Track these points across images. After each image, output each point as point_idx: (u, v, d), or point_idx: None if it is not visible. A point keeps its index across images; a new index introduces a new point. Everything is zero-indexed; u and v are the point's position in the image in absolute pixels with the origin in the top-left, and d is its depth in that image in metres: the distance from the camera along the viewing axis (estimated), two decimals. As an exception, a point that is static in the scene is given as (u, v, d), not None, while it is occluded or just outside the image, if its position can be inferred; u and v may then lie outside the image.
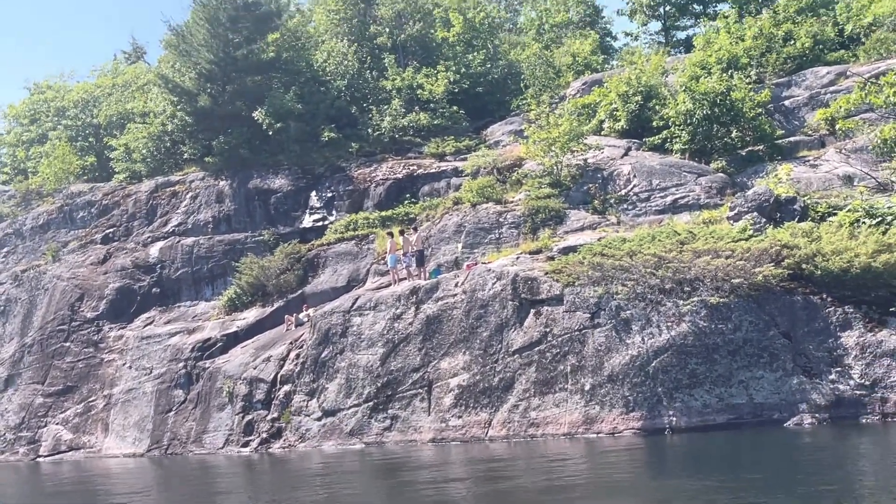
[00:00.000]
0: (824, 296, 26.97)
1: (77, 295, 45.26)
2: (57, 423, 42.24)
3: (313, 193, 44.68)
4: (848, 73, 40.13)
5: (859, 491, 16.14)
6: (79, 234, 49.03)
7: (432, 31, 52.39)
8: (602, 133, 41.91)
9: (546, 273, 30.06)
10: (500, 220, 36.77)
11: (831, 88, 39.80)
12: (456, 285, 31.68)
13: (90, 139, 58.77)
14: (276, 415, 34.33)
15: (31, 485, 33.80)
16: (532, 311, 29.50)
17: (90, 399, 41.88)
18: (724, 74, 39.19)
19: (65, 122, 59.85)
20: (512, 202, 37.57)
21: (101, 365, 42.63)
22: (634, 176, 37.02)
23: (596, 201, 36.41)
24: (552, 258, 31.51)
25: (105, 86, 62.67)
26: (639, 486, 18.92)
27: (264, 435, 34.24)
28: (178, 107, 49.07)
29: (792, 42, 43.22)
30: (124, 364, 41.81)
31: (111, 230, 48.32)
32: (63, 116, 60.48)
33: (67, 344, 44.03)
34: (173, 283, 44.57)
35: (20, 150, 63.58)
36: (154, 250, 45.73)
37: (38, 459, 41.39)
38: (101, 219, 49.18)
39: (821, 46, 43.50)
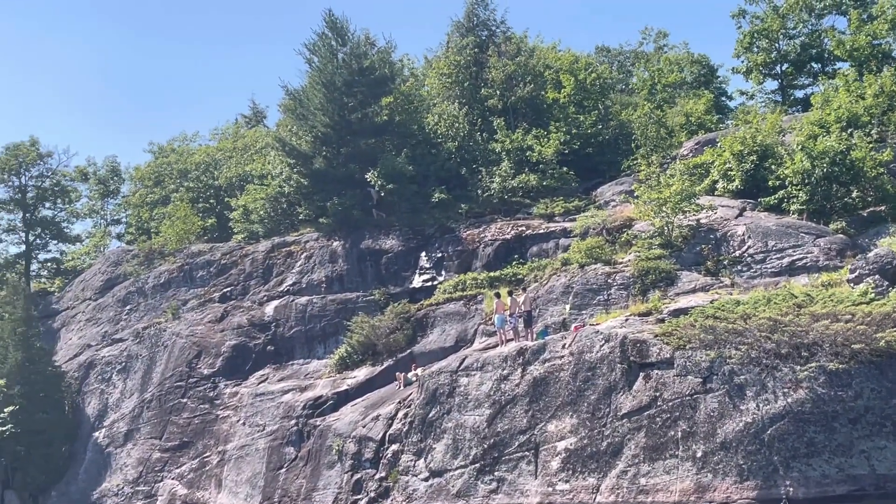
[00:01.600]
0: (952, 362, 25.72)
1: (195, 352, 46.16)
2: (173, 478, 42.91)
3: (423, 254, 44.91)
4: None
5: None
6: (198, 293, 50.17)
7: (543, 92, 52.36)
8: (715, 193, 41.08)
9: (656, 335, 29.38)
10: (609, 281, 36.14)
11: (958, 146, 38.38)
12: (563, 347, 31.21)
13: (210, 200, 60.47)
14: (384, 474, 34.19)
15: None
16: (641, 374, 28.82)
17: (205, 455, 42.46)
18: (844, 133, 38.09)
19: (187, 184, 61.71)
20: (621, 263, 36.98)
21: (216, 421, 43.25)
22: (749, 237, 36.07)
23: (709, 263, 35.56)
24: (662, 320, 30.77)
25: (226, 149, 64.56)
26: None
27: (372, 494, 34.10)
28: (295, 169, 50.11)
29: (915, 99, 41.87)
30: (238, 421, 42.31)
31: (229, 289, 49.36)
32: (185, 178, 62.38)
33: (184, 400, 44.85)
34: (287, 341, 45.08)
35: (144, 210, 65.75)
36: (269, 309, 46.45)
37: (154, 515, 42.14)
38: (220, 278, 50.29)
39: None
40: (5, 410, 45.79)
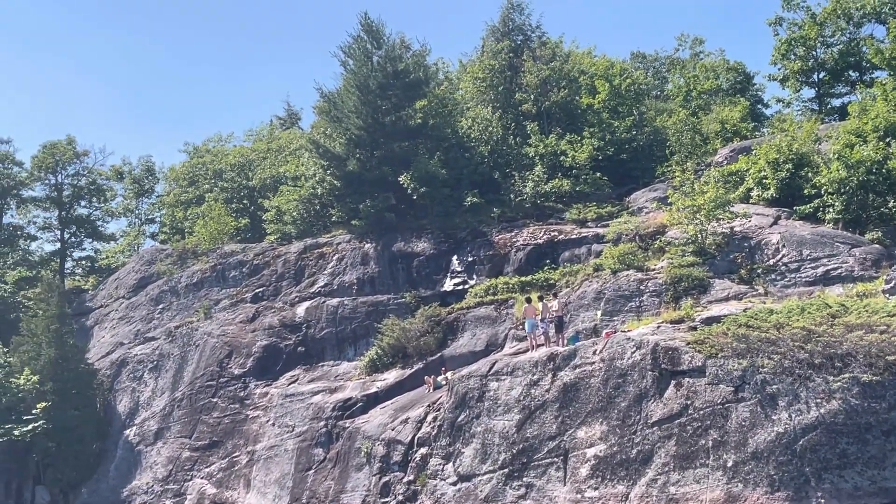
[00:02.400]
0: None
1: (226, 352, 46.36)
2: (202, 478, 43.07)
3: (454, 257, 44.94)
4: None
5: None
6: (230, 293, 50.36)
7: (577, 97, 52.27)
8: (750, 201, 40.81)
9: (688, 343, 29.21)
10: (641, 287, 36.04)
11: None
12: (594, 353, 31.08)
13: (244, 201, 60.69)
14: (412, 477, 34.20)
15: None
16: (672, 381, 28.69)
17: (234, 454, 42.63)
18: (881, 143, 37.74)
19: (221, 185, 61.98)
20: (654, 270, 36.86)
21: (245, 421, 43.42)
22: (784, 245, 35.84)
23: (742, 271, 35.37)
24: (694, 328, 30.59)
25: (260, 150, 64.79)
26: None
27: (400, 497, 34.10)
28: (328, 171, 50.29)
29: (954, 110, 41.44)
30: (268, 421, 42.45)
31: (260, 289, 49.54)
32: (220, 179, 62.64)
33: (215, 399, 45.06)
34: (318, 342, 45.19)
35: (178, 210, 66.14)
36: (300, 310, 46.59)
37: (182, 513, 42.36)
38: (252, 278, 50.47)
39: None
40: (38, 407, 46.19)
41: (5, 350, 49.62)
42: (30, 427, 46.04)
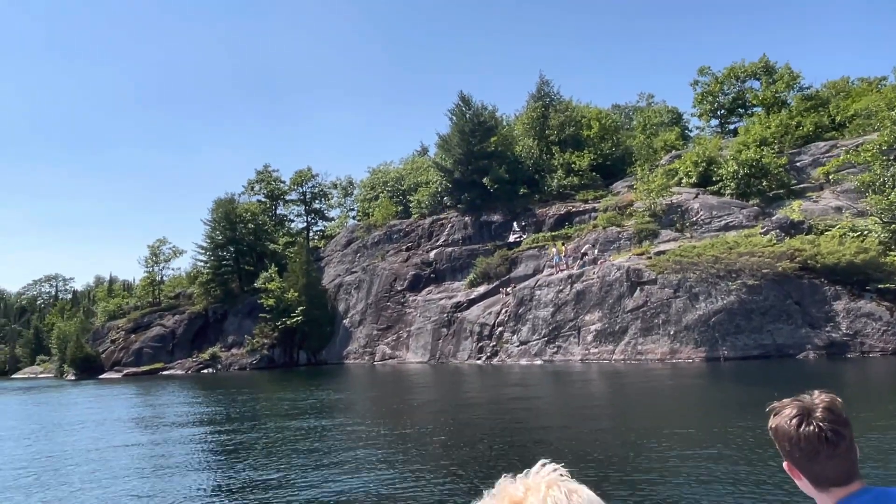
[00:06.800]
0: (822, 279, 24.44)
1: (393, 277, 46.99)
2: (383, 345, 44.19)
3: (514, 223, 44.40)
4: (837, 145, 35.86)
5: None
6: (394, 246, 50.66)
7: (580, 131, 50.87)
8: (681, 185, 39.42)
9: (647, 266, 28.83)
10: (620, 235, 35.38)
11: (826, 154, 35.76)
12: (594, 273, 30.89)
13: (399, 196, 60.96)
14: (494, 343, 34.62)
15: (370, 375, 35.68)
16: (638, 288, 28.37)
17: (399, 332, 43.53)
18: (757, 149, 36.01)
19: (388, 188, 62.42)
20: (627, 226, 36.11)
21: (405, 315, 44.24)
22: (701, 209, 34.69)
23: (677, 224, 34.40)
24: (650, 258, 30.14)
25: (408, 168, 64.90)
26: (702, 391, 17.89)
27: (488, 353, 34.60)
28: (444, 178, 50.22)
29: (801, 126, 39.11)
30: (417, 314, 43.26)
31: (410, 243, 49.84)
32: (386, 185, 63.07)
33: (389, 303, 45.79)
34: (442, 271, 45.42)
35: (365, 202, 66.92)
36: (432, 254, 46.78)
37: (373, 363, 43.50)
38: (406, 237, 50.80)
39: (820, 129, 39.11)
40: (298, 309, 48.00)
41: (281, 279, 51.39)
42: (294, 319, 47.82)
